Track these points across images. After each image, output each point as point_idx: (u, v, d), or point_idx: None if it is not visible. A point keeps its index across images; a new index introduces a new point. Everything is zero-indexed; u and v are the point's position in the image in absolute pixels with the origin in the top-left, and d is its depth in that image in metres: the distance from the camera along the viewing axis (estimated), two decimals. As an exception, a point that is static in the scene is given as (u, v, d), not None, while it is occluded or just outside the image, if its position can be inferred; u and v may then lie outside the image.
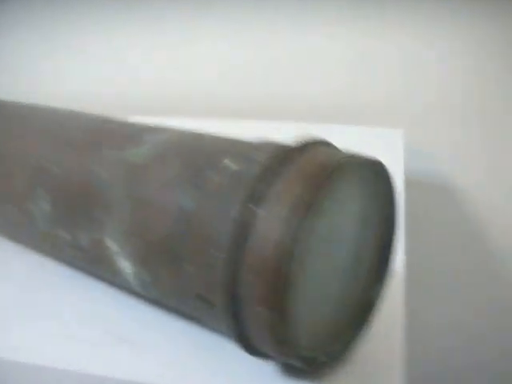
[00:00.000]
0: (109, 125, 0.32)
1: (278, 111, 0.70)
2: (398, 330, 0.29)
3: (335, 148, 0.27)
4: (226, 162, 0.25)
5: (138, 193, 0.27)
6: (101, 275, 0.32)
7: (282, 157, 0.24)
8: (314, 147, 0.26)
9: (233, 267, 0.23)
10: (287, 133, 0.62)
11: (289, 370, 0.26)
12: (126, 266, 0.28)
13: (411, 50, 0.60)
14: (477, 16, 0.57)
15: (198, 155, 0.26)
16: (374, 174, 0.25)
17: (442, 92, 0.61)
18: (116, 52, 0.71)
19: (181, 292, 0.26)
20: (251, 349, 0.25)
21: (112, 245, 0.28)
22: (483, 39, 0.57)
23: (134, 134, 0.30)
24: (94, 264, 0.30)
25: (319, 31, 0.63)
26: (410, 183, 0.50)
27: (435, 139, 0.61)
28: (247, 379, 0.26)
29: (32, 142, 0.33)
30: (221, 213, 0.24)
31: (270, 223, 0.22)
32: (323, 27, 0.63)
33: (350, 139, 0.61)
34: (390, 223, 0.27)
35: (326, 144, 0.27)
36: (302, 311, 0.23)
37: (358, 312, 0.27)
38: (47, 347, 0.28)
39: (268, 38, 0.66)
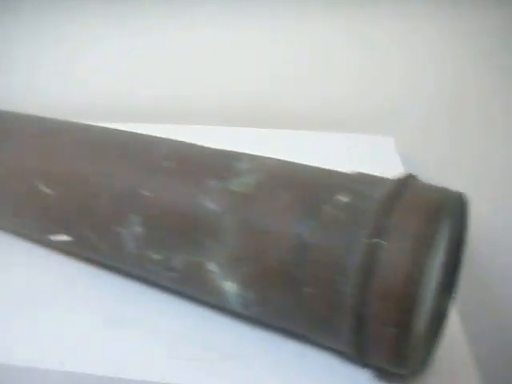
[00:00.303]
0: (187, 151, 0.34)
1: (269, 119, 0.72)
2: (459, 335, 0.33)
3: (421, 181, 0.30)
4: (339, 196, 0.28)
5: (251, 221, 0.29)
6: (192, 293, 0.33)
7: (393, 192, 0.28)
8: (410, 180, 0.29)
9: (360, 292, 0.26)
10: (280, 140, 0.65)
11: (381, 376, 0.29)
12: (229, 286, 0.30)
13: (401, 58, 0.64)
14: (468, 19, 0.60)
15: (308, 188, 0.29)
16: (461, 204, 0.29)
17: (429, 99, 0.66)
18: (102, 59, 0.70)
19: (294, 311, 0.28)
20: (367, 362, 0.28)
21: (214, 267, 0.30)
22: (478, 41, 0.61)
23: (225, 162, 0.32)
24: (186, 283, 0.32)
25: (311, 39, 0.65)
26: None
27: (422, 146, 0.66)
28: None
29: (117, 167, 0.34)
30: (344, 243, 0.27)
31: (396, 254, 0.26)
32: (314, 36, 0.66)
33: (342, 147, 0.65)
34: (460, 243, 0.31)
35: (413, 177, 0.30)
36: (416, 328, 0.27)
37: (436, 323, 0.31)
38: (151, 363, 0.30)
39: (258, 46, 0.68)
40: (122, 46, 0.69)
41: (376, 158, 0.64)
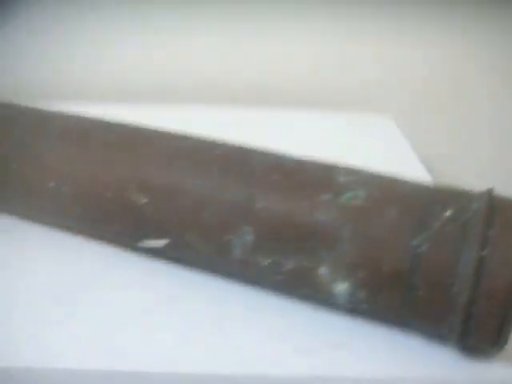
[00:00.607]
0: (287, 163, 0.38)
1: (266, 97, 0.75)
2: None
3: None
4: (442, 209, 0.33)
5: (366, 233, 0.33)
6: (297, 294, 0.38)
7: (489, 205, 0.33)
8: (491, 191, 0.34)
9: (471, 294, 0.31)
10: (278, 120, 0.68)
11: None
12: (339, 287, 0.34)
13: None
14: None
15: (413, 201, 0.34)
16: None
17: (427, 78, 0.70)
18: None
19: (404, 309, 0.34)
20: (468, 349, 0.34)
21: (325, 271, 0.35)
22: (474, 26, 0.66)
23: (327, 175, 0.36)
24: (293, 285, 0.37)
25: (306, 14, 0.67)
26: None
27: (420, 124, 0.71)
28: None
29: (222, 179, 0.37)
30: (454, 253, 0.32)
31: (500, 262, 0.31)
32: (310, 11, 0.69)
33: (345, 126, 0.70)
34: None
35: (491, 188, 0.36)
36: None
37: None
38: (276, 357, 0.34)
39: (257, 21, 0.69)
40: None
41: (381, 136, 0.69)
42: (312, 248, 0.34)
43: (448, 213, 0.33)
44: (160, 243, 0.39)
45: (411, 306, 0.33)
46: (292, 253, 0.35)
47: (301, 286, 0.36)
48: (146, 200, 0.38)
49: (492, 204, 0.33)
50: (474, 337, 0.33)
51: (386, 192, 0.35)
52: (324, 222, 0.34)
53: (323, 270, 0.35)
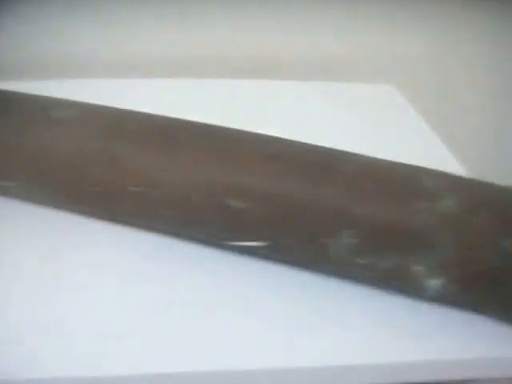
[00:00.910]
0: (374, 168, 0.41)
1: (267, 69, 0.76)
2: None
3: None
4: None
5: (461, 235, 0.37)
6: (390, 287, 0.41)
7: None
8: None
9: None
10: (283, 91, 0.70)
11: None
12: (433, 283, 0.39)
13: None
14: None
15: (503, 205, 0.38)
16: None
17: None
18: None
19: (494, 301, 0.39)
20: None
21: (420, 268, 0.39)
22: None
23: (416, 180, 0.40)
24: (387, 280, 0.40)
25: None
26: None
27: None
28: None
29: (318, 185, 0.39)
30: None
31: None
32: None
33: (348, 96, 0.72)
34: None
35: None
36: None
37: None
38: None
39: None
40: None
41: (388, 106, 0.72)
42: (409, 249, 0.38)
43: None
44: (255, 244, 0.41)
45: (500, 301, 0.38)
46: (389, 254, 0.39)
47: (394, 282, 0.40)
48: (244, 205, 0.40)
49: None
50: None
51: (475, 196, 0.39)
52: (421, 227, 0.38)
53: (418, 268, 0.38)
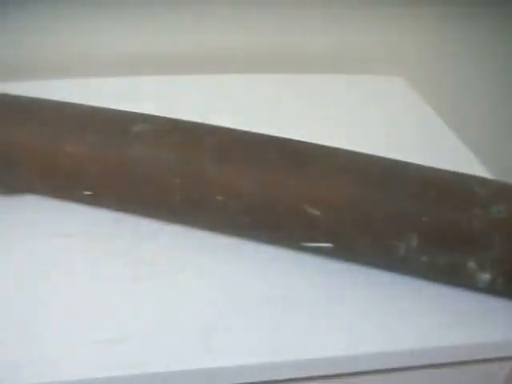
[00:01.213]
0: (427, 176, 0.46)
1: (278, 63, 0.80)
2: None
3: None
4: None
5: (510, 237, 0.44)
6: (447, 280, 0.48)
7: None
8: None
9: None
10: (294, 85, 0.75)
11: None
12: (485, 277, 0.45)
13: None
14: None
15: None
16: None
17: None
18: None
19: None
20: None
21: (474, 265, 0.45)
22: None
23: (468, 187, 0.46)
24: (444, 273, 0.47)
25: None
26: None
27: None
28: None
29: (382, 192, 0.45)
30: None
31: None
32: None
33: (359, 88, 0.77)
34: None
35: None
36: None
37: None
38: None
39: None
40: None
41: (399, 97, 0.78)
42: (465, 249, 0.45)
43: None
44: (327, 245, 0.47)
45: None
46: (449, 252, 0.45)
47: (451, 275, 0.47)
48: (318, 213, 0.45)
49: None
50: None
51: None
52: (476, 231, 0.44)
53: (472, 264, 0.45)
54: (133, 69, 0.75)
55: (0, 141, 0.50)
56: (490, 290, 0.47)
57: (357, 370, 0.43)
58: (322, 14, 0.79)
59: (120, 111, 0.50)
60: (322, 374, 0.42)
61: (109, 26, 0.74)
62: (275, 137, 0.49)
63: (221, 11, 0.76)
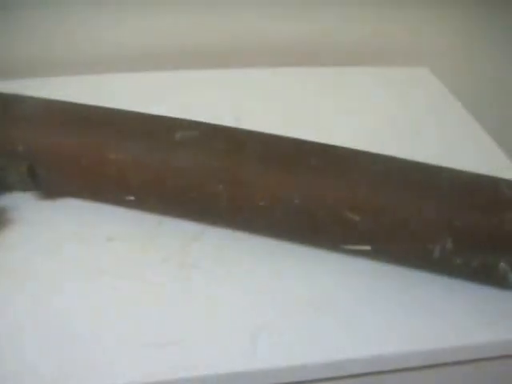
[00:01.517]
0: (463, 180, 0.48)
1: (302, 55, 0.80)
2: None
3: None
4: None
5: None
6: (480, 280, 0.50)
7: None
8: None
9: None
10: (320, 77, 0.76)
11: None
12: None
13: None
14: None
15: None
16: None
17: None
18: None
19: None
20: None
21: (504, 266, 0.47)
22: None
23: (496, 189, 0.48)
24: (477, 273, 0.49)
25: None
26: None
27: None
28: None
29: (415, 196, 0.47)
30: None
31: None
32: None
33: (385, 80, 0.79)
34: None
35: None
36: None
37: None
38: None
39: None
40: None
41: (425, 88, 0.79)
42: (497, 251, 0.47)
43: None
44: (366, 248, 0.49)
45: None
46: (481, 254, 0.47)
47: (483, 275, 0.49)
48: (358, 218, 0.47)
49: None
50: None
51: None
52: (507, 233, 0.46)
53: (503, 265, 0.47)
54: (157, 63, 0.75)
55: (43, 149, 0.52)
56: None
57: (408, 365, 0.47)
58: (345, 4, 0.79)
59: (161, 117, 0.52)
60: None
61: (118, 21, 0.74)
62: (316, 143, 0.50)
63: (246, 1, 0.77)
